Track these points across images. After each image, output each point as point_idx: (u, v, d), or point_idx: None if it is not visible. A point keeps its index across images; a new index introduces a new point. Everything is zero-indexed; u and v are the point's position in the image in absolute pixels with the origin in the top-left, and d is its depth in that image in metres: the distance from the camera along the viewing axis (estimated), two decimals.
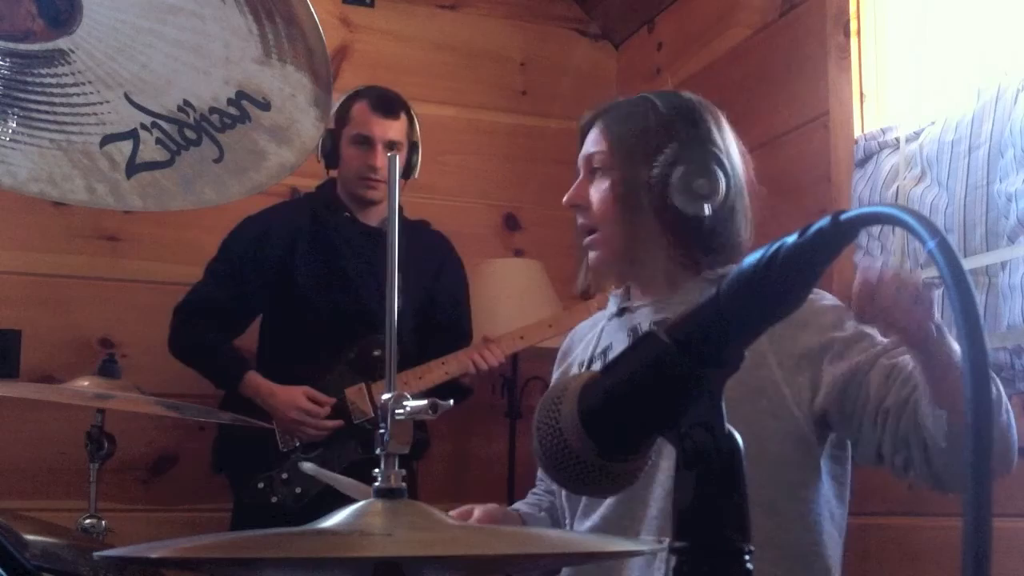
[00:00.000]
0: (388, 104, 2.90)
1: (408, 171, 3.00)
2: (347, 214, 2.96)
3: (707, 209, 1.61)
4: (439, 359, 2.82)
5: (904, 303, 1.33)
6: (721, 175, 1.64)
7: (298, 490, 2.77)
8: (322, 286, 2.91)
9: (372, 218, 2.98)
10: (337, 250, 2.94)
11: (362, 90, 2.96)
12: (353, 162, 2.89)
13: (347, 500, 3.34)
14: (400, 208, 3.06)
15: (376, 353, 2.86)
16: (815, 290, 1.64)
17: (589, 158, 1.74)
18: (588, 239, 1.74)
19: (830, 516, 1.63)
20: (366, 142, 2.87)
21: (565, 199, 1.76)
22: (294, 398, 2.78)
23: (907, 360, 1.49)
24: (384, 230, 3.00)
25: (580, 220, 1.74)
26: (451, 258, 3.09)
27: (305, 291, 2.90)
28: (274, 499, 2.77)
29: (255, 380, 2.82)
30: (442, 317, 3.03)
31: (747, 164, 1.74)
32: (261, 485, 2.79)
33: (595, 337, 1.83)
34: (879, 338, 1.56)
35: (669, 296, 1.72)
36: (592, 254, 1.74)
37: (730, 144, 1.71)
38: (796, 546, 1.59)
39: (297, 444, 2.81)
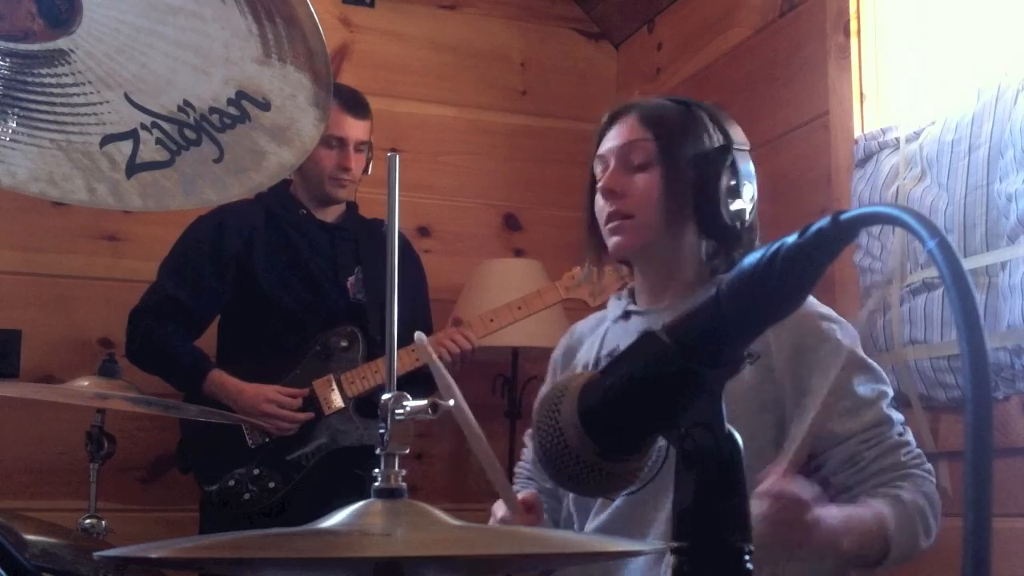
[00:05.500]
0: (360, 106, 2.91)
1: (366, 168, 3.00)
2: (303, 211, 2.96)
3: (747, 217, 1.66)
4: (407, 347, 2.78)
5: (795, 544, 1.40)
6: (753, 185, 1.69)
7: (271, 485, 2.77)
8: (283, 283, 2.90)
9: (328, 215, 2.99)
10: (296, 247, 2.93)
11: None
12: (324, 162, 2.87)
13: (313, 492, 3.23)
14: (355, 205, 3.07)
15: (343, 344, 2.86)
16: (842, 322, 1.66)
17: (626, 147, 1.72)
18: (618, 223, 1.71)
19: None
20: (339, 143, 2.87)
21: (602, 184, 1.73)
22: (264, 391, 2.76)
23: (872, 454, 1.57)
24: (341, 226, 3.01)
25: (613, 207, 1.71)
26: (410, 254, 3.07)
27: (266, 288, 2.88)
28: (246, 496, 2.76)
29: (220, 378, 2.79)
30: (405, 312, 2.99)
31: None
32: (232, 483, 2.76)
33: (599, 339, 1.83)
34: (864, 400, 1.60)
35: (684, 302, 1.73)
36: (618, 239, 1.72)
37: None
38: None
39: (266, 440, 2.79)
